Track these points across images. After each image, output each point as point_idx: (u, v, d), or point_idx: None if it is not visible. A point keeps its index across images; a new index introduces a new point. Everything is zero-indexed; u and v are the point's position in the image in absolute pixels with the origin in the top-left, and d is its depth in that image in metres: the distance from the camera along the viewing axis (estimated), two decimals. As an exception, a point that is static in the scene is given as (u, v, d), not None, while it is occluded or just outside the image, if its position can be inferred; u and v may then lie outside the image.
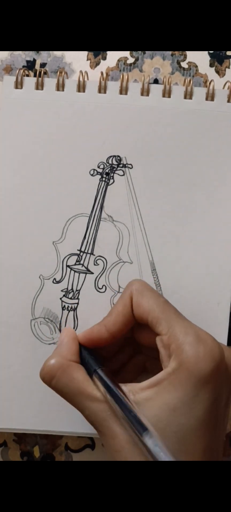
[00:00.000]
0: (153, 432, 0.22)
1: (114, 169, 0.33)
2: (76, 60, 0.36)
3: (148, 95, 0.34)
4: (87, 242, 0.33)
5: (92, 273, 0.33)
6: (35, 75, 0.36)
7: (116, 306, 0.28)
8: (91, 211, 0.33)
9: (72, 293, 0.33)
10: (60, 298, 0.33)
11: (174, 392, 0.24)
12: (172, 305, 0.27)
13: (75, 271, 0.33)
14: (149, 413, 0.24)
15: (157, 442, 0.22)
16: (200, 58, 0.36)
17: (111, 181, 0.33)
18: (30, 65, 0.36)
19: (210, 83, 0.33)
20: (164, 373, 0.24)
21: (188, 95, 0.33)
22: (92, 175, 0.33)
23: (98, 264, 0.33)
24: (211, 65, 0.36)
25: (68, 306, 0.33)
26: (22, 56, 0.36)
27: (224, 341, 0.32)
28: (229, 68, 0.36)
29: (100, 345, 0.28)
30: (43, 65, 0.36)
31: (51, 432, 0.33)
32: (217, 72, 0.36)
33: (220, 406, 0.25)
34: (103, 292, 0.33)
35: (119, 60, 0.36)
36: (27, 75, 0.35)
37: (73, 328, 0.33)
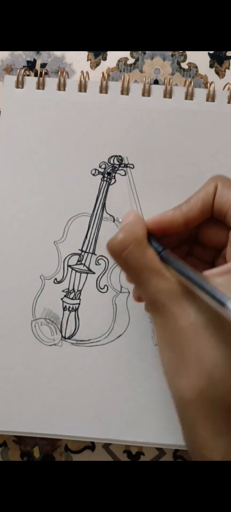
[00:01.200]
0: None
1: (116, 169, 0.33)
2: (77, 60, 0.36)
3: (149, 95, 0.34)
4: (88, 241, 0.33)
5: (93, 273, 0.33)
6: (35, 76, 0.36)
7: (196, 193, 0.27)
8: (93, 211, 0.33)
9: (73, 293, 0.33)
10: (61, 299, 0.33)
11: None
12: None
13: (76, 271, 0.33)
14: None
15: None
16: (200, 59, 0.36)
17: (113, 181, 0.33)
18: (30, 65, 0.36)
19: (210, 84, 0.34)
20: None
21: (189, 96, 0.34)
22: (94, 175, 0.33)
23: (100, 264, 0.33)
24: (211, 66, 0.36)
25: (69, 307, 0.33)
26: (22, 56, 0.36)
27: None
28: (229, 69, 0.36)
29: (170, 232, 0.27)
30: (43, 65, 0.36)
31: (51, 435, 0.33)
32: (217, 73, 0.36)
33: None
34: (105, 292, 0.33)
35: (119, 61, 0.36)
36: (28, 75, 0.35)
37: (74, 329, 0.33)
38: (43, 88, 0.34)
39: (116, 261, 0.25)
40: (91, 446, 0.34)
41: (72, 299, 0.33)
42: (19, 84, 0.34)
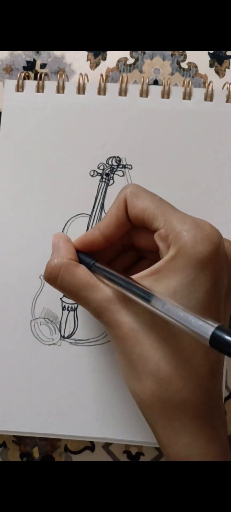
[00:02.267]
0: (160, 295, 0.22)
1: (114, 169, 0.33)
2: (76, 60, 0.36)
3: (147, 96, 0.34)
4: (87, 242, 0.33)
5: (92, 273, 0.33)
6: (35, 76, 0.36)
7: (109, 209, 0.28)
8: (92, 212, 0.33)
9: (72, 293, 0.33)
10: (61, 298, 0.33)
11: (174, 277, 0.23)
12: (168, 202, 0.26)
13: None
14: None
15: (165, 301, 0.22)
16: (200, 59, 0.36)
17: (111, 181, 0.33)
18: (30, 65, 0.36)
19: (209, 84, 0.34)
20: (163, 261, 0.24)
21: (187, 95, 0.34)
22: (92, 176, 0.33)
23: (98, 265, 0.33)
24: (211, 66, 0.36)
25: (68, 306, 0.33)
26: (22, 56, 0.36)
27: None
28: (229, 68, 0.36)
29: (93, 249, 0.28)
30: (43, 65, 0.36)
31: (50, 435, 0.33)
32: (217, 72, 0.36)
33: (221, 292, 0.24)
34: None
35: (118, 61, 0.36)
36: (28, 76, 0.35)
37: (73, 329, 0.33)
38: (42, 91, 0.34)
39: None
40: (91, 446, 0.35)
41: (71, 299, 0.33)
42: (19, 88, 0.34)
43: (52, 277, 0.27)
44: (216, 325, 0.19)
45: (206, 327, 0.20)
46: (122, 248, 0.30)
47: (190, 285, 0.23)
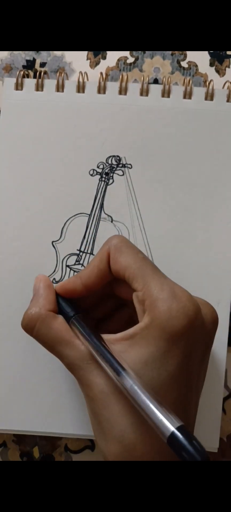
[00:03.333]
0: (130, 372, 0.23)
1: (114, 169, 0.33)
2: (76, 59, 0.36)
3: (147, 95, 0.34)
4: (87, 242, 0.33)
5: (92, 273, 0.33)
6: (35, 75, 0.36)
7: (93, 259, 0.28)
8: (91, 211, 0.33)
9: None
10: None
11: (146, 347, 0.24)
12: (151, 262, 0.27)
13: (75, 271, 0.33)
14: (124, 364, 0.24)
15: (134, 380, 0.22)
16: (200, 58, 0.36)
17: (111, 181, 0.33)
18: (30, 64, 0.36)
19: (209, 83, 0.33)
20: (137, 327, 0.24)
21: (187, 95, 0.33)
22: (92, 175, 0.33)
23: (98, 264, 0.33)
24: (211, 65, 0.36)
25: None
26: (22, 56, 0.36)
27: (224, 341, 0.32)
28: (229, 67, 0.36)
29: (75, 296, 0.28)
30: (43, 64, 0.36)
31: (50, 434, 0.33)
32: (217, 71, 0.36)
33: (194, 362, 0.25)
34: (103, 292, 0.33)
35: (118, 60, 0.36)
36: (27, 75, 0.35)
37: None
38: (42, 90, 0.34)
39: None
40: (91, 446, 0.35)
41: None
42: (19, 86, 0.34)
43: (29, 328, 0.27)
44: (176, 425, 0.20)
45: (166, 426, 0.20)
46: (103, 296, 0.30)
47: (162, 358, 0.23)
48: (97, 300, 0.30)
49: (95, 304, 0.30)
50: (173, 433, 0.20)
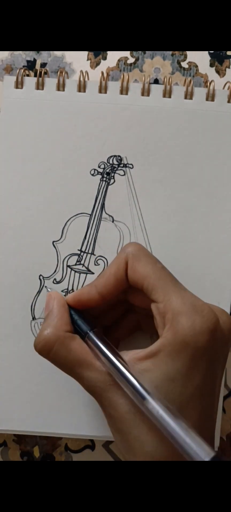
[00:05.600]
0: (155, 396, 0.22)
1: (115, 169, 0.33)
2: (77, 60, 0.36)
3: (148, 95, 0.34)
4: (87, 242, 0.33)
5: (93, 273, 0.33)
6: (35, 75, 0.36)
7: (109, 267, 0.28)
8: (92, 211, 0.33)
9: (72, 293, 0.33)
10: (61, 298, 0.33)
11: (172, 364, 0.24)
12: (170, 273, 0.26)
13: (75, 271, 0.33)
14: (148, 384, 0.23)
15: (160, 405, 0.22)
16: (200, 58, 0.36)
17: (112, 181, 0.33)
18: (30, 65, 0.36)
19: (210, 84, 0.33)
20: (160, 344, 0.24)
21: (189, 95, 0.33)
22: (93, 175, 0.33)
23: (99, 264, 0.33)
24: (211, 65, 0.36)
25: (68, 306, 0.33)
26: (22, 56, 0.36)
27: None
28: (229, 68, 0.36)
29: (90, 307, 0.28)
30: (43, 65, 0.36)
31: (51, 433, 0.33)
32: (217, 72, 0.36)
33: (217, 371, 0.25)
34: (104, 292, 0.33)
35: (119, 60, 0.36)
36: (28, 75, 0.35)
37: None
38: (42, 89, 0.34)
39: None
40: (91, 445, 0.35)
41: (71, 299, 0.33)
42: (19, 84, 0.34)
43: (46, 350, 0.26)
44: (212, 454, 0.20)
45: (202, 454, 0.20)
46: (115, 303, 0.30)
47: (189, 373, 0.23)
48: (108, 307, 0.30)
49: (105, 311, 0.30)
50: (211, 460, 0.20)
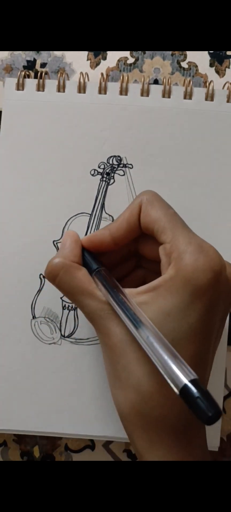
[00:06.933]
0: (147, 324, 0.23)
1: (115, 169, 0.33)
2: (77, 60, 0.36)
3: (147, 95, 0.34)
4: (88, 241, 0.33)
5: (93, 272, 0.33)
6: (35, 75, 0.36)
7: (123, 212, 0.28)
8: (92, 211, 0.33)
9: (72, 292, 0.33)
10: (61, 298, 0.33)
11: (170, 298, 0.24)
12: (181, 218, 0.26)
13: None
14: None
15: (150, 332, 0.22)
16: (200, 58, 0.36)
17: (112, 181, 0.33)
18: (30, 65, 0.36)
19: (209, 84, 0.34)
20: (162, 279, 0.24)
21: (188, 95, 0.34)
22: (93, 175, 0.33)
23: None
24: (211, 65, 0.36)
25: (68, 306, 0.33)
26: (22, 56, 0.36)
27: (224, 340, 0.32)
28: (229, 68, 0.36)
29: (102, 250, 0.28)
30: (43, 65, 0.36)
31: (51, 433, 0.33)
32: (217, 72, 0.36)
33: (215, 318, 0.25)
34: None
35: (119, 60, 0.36)
36: (28, 75, 0.35)
37: (74, 328, 0.33)
38: (43, 90, 0.34)
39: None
40: (91, 445, 0.35)
41: (71, 298, 0.33)
42: (20, 86, 0.34)
43: (52, 276, 0.27)
44: (190, 378, 0.20)
45: (179, 378, 0.20)
46: (127, 254, 0.30)
47: (185, 310, 0.23)
48: (120, 259, 0.30)
49: (114, 264, 0.30)
50: (185, 385, 0.19)
